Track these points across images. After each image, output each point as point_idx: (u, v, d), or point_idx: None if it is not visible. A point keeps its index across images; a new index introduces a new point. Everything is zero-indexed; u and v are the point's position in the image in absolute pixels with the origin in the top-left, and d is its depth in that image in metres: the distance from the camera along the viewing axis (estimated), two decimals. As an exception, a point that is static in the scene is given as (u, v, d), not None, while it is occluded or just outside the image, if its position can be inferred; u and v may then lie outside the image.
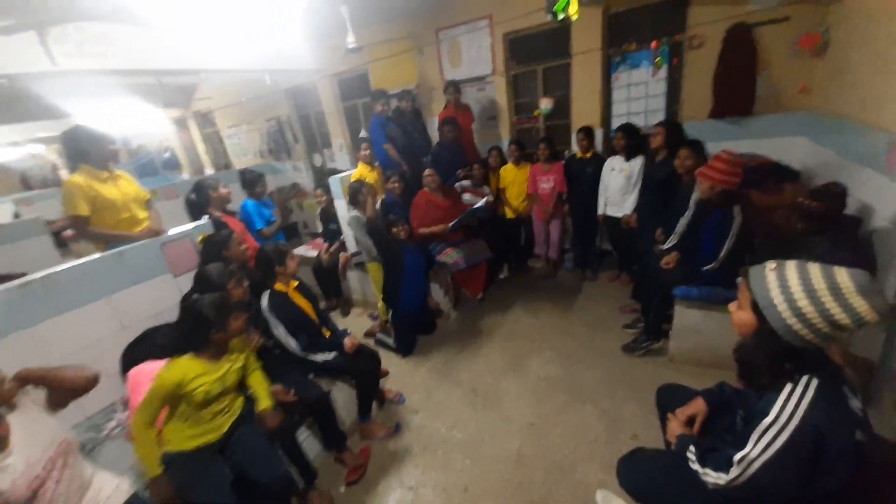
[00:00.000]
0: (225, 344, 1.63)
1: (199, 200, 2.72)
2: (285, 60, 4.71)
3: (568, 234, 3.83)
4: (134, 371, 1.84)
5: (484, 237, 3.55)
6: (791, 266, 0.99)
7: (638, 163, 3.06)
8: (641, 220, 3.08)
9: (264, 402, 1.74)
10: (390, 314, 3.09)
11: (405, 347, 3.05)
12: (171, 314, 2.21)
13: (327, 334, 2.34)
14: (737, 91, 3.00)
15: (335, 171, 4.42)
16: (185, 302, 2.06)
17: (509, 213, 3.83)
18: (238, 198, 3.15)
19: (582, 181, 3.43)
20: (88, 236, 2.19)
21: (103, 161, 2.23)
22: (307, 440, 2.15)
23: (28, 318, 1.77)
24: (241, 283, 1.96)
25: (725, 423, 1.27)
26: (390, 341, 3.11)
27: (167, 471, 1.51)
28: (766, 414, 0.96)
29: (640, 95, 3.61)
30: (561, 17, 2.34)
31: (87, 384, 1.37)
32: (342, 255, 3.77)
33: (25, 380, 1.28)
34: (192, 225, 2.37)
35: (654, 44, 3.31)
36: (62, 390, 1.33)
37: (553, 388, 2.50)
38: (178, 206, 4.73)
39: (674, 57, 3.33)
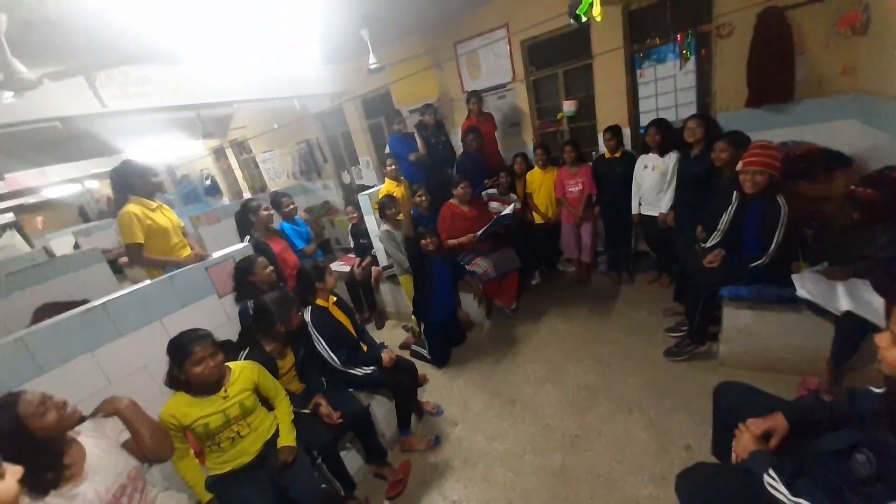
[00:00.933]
0: (207, 382, 1.58)
1: (245, 222, 2.87)
2: (312, 85, 4.93)
3: (600, 237, 3.74)
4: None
5: (513, 245, 3.52)
6: None
7: (672, 159, 2.95)
8: (679, 217, 2.97)
9: (283, 440, 1.74)
10: (422, 326, 3.10)
11: (440, 359, 3.05)
12: (218, 334, 2.31)
13: (364, 348, 2.38)
14: (774, 78, 2.84)
15: (363, 188, 4.54)
16: (245, 332, 2.14)
17: (538, 219, 3.78)
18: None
19: (612, 182, 3.35)
20: (143, 262, 2.33)
21: (149, 193, 2.38)
22: (349, 454, 2.18)
23: (90, 342, 1.90)
24: (299, 309, 2.03)
25: (828, 444, 1.08)
26: (425, 353, 3.12)
27: (216, 494, 1.58)
28: None
29: (668, 90, 3.50)
30: (584, 19, 2.31)
31: (157, 457, 1.44)
32: (374, 269, 3.84)
33: (114, 411, 1.36)
34: (233, 248, 2.49)
35: (679, 36, 3.21)
36: (143, 451, 1.39)
37: (595, 398, 2.42)
38: (220, 230, 5.01)
39: (701, 48, 3.21)
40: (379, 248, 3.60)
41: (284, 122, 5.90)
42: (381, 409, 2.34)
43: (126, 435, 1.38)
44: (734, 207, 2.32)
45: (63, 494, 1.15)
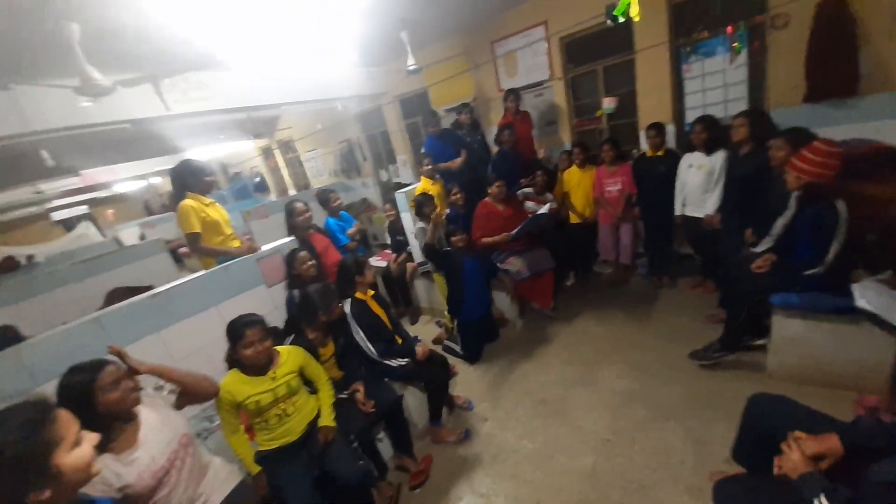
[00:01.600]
0: (256, 364, 1.73)
1: (288, 223, 3.00)
2: (353, 87, 5.10)
3: (640, 239, 3.63)
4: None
5: (547, 245, 3.49)
6: None
7: (720, 157, 2.82)
8: (726, 220, 2.83)
9: (323, 420, 1.87)
10: (455, 322, 3.15)
11: (472, 355, 3.09)
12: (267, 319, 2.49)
13: (399, 341, 2.46)
14: (835, 71, 2.64)
15: (400, 186, 4.64)
16: (291, 321, 2.30)
17: (573, 218, 3.73)
18: (318, 214, 3.43)
19: (653, 181, 3.24)
20: (200, 252, 2.51)
21: (203, 190, 2.55)
22: (382, 445, 2.27)
23: (156, 324, 2.11)
24: (340, 301, 2.18)
25: (887, 474, 1.00)
26: (457, 348, 3.17)
27: (263, 468, 1.72)
28: None
29: (716, 85, 3.34)
30: (622, 20, 2.27)
31: (209, 396, 1.63)
32: (409, 265, 3.94)
33: (155, 372, 1.49)
34: (280, 242, 2.66)
35: (729, 29, 3.05)
36: (192, 394, 1.56)
37: (629, 403, 2.37)
38: (267, 225, 5.30)
39: (754, 40, 3.03)
40: (414, 244, 3.69)
41: (327, 122, 6.15)
42: (414, 401, 2.42)
43: (173, 397, 1.53)
44: (792, 212, 2.17)
45: (122, 460, 1.28)
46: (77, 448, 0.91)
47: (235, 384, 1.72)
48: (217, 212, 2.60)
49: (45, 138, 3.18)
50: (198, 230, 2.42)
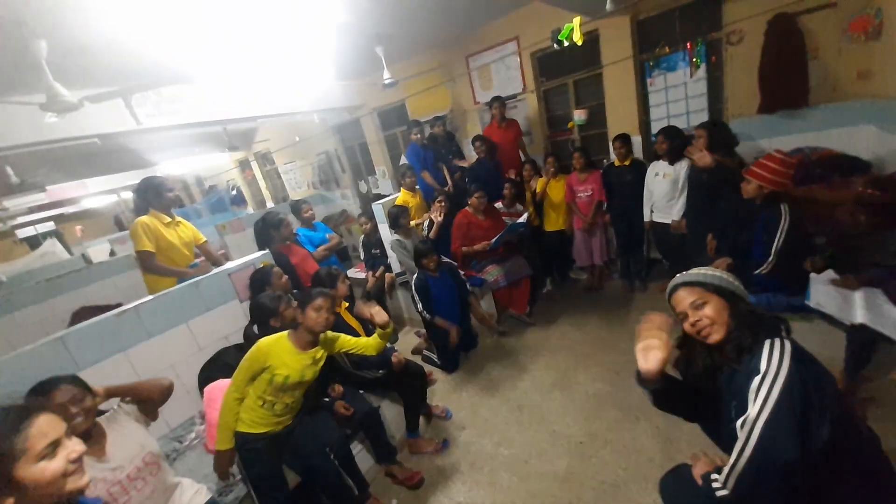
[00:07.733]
0: (313, 331, 1.70)
1: (265, 235, 2.93)
2: (330, 100, 5.13)
3: (612, 245, 3.74)
4: (209, 387, 2.05)
5: (524, 253, 3.56)
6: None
7: (683, 166, 2.96)
8: (691, 225, 2.95)
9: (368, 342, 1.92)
10: (431, 332, 3.16)
11: (449, 364, 3.10)
12: (239, 336, 2.46)
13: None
14: (786, 83, 2.83)
15: (379, 197, 4.66)
16: (247, 332, 2.27)
17: (548, 226, 3.81)
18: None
19: (623, 189, 3.37)
20: (153, 270, 2.45)
21: (165, 208, 2.52)
22: (360, 454, 2.26)
23: (124, 343, 2.06)
24: (290, 304, 2.11)
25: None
26: (436, 358, 3.18)
27: (235, 446, 1.71)
28: (756, 372, 1.01)
29: (679, 97, 3.51)
30: (566, 44, 2.49)
31: (165, 393, 1.57)
32: (387, 276, 3.93)
33: (112, 394, 1.47)
34: (254, 255, 2.63)
35: (689, 45, 3.23)
36: (148, 402, 1.53)
37: (602, 405, 2.42)
38: (244, 239, 5.22)
39: (712, 55, 3.22)
40: (392, 255, 3.70)
41: (305, 134, 6.14)
42: (391, 412, 2.41)
43: (133, 407, 1.51)
44: (786, 224, 2.08)
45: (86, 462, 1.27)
46: (46, 460, 0.86)
47: (278, 347, 1.66)
48: (176, 234, 2.54)
49: (9, 154, 3.09)
50: (149, 248, 2.37)
